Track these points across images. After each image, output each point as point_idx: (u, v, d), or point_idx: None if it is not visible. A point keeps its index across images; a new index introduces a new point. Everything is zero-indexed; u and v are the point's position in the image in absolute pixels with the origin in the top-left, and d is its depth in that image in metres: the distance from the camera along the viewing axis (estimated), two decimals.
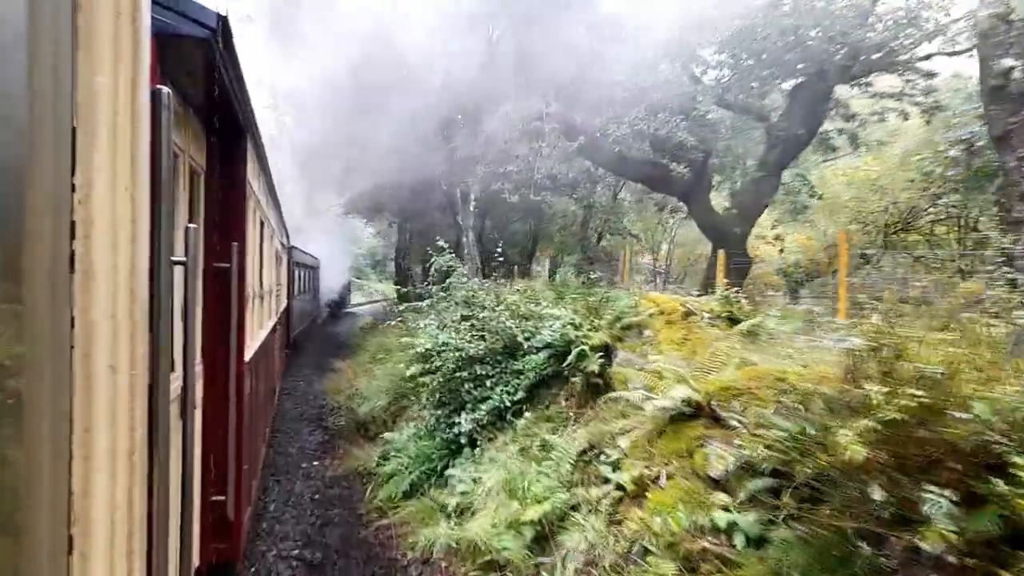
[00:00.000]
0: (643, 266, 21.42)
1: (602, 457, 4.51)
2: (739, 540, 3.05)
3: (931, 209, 13.01)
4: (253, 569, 4.77)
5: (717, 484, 3.49)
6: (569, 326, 5.80)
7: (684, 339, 5.27)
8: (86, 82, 0.91)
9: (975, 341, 2.46)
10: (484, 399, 6.00)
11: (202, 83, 2.70)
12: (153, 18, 1.25)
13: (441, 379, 6.34)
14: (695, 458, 3.70)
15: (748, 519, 3.02)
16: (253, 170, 4.52)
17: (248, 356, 4.29)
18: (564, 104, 12.47)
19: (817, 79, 11.23)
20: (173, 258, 1.28)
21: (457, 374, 6.23)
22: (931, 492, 1.95)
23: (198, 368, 3.07)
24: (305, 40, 18.58)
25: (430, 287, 7.96)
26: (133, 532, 1.05)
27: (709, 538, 3.19)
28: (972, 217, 12.60)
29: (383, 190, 18.72)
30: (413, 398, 8.01)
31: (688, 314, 5.48)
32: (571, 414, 5.35)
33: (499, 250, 7.72)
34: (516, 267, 16.28)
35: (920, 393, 2.05)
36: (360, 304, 34.60)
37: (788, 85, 12.44)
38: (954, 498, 1.90)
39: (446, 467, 5.90)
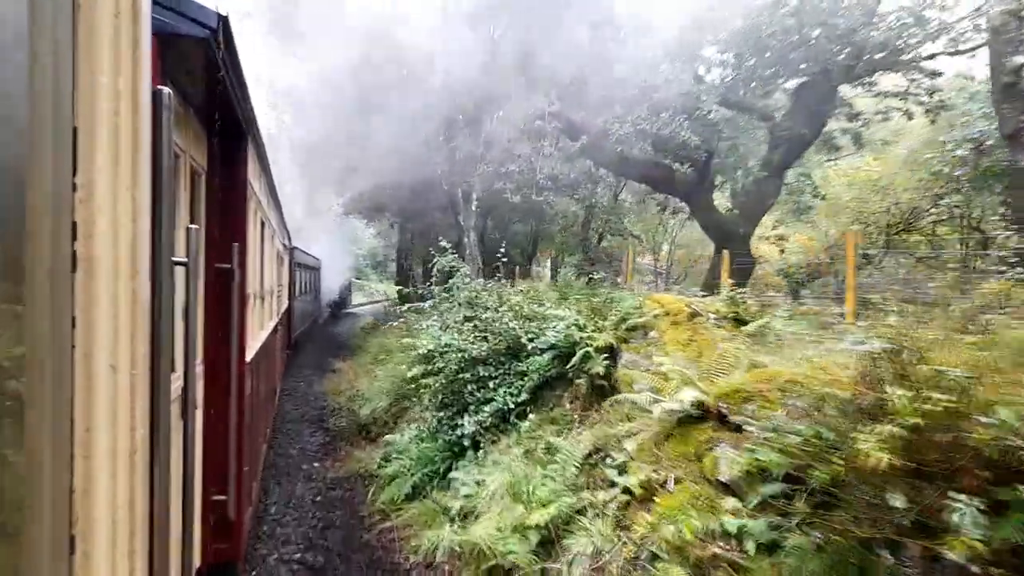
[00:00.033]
0: (643, 267, 21.35)
1: (608, 460, 4.46)
2: (750, 546, 2.99)
3: (933, 209, 12.96)
4: (255, 573, 4.72)
5: (727, 488, 3.43)
6: (573, 327, 5.74)
7: (690, 340, 5.21)
8: (87, 82, 0.90)
9: (996, 343, 2.40)
10: (487, 401, 5.94)
11: (203, 83, 2.69)
12: (153, 18, 1.25)
13: (444, 380, 6.28)
14: (704, 462, 3.64)
15: (759, 524, 2.97)
16: (254, 170, 4.51)
17: (249, 356, 4.27)
18: (566, 103, 12.42)
19: (821, 78, 11.17)
20: (174, 258, 1.27)
21: (460, 375, 6.17)
22: (959, 501, 1.89)
23: (199, 368, 3.08)
24: (304, 38, 18.53)
25: (432, 287, 7.91)
26: (135, 532, 1.06)
27: (719, 543, 3.13)
28: (974, 217, 12.55)
29: (384, 190, 18.67)
30: (415, 399, 7.95)
31: (694, 315, 5.42)
32: (576, 416, 5.29)
33: (502, 250, 7.65)
34: (517, 268, 16.22)
35: (943, 397, 1.99)
36: (361, 304, 34.56)
37: (792, 84, 12.38)
38: (981, 506, 1.85)
39: (449, 469, 5.84)
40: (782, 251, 15.59)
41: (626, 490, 3.99)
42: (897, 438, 2.01)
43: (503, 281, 8.08)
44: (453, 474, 5.62)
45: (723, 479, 3.45)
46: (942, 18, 11.04)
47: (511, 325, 6.28)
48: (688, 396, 3.86)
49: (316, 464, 7.50)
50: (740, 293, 5.80)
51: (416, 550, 4.90)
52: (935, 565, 2.01)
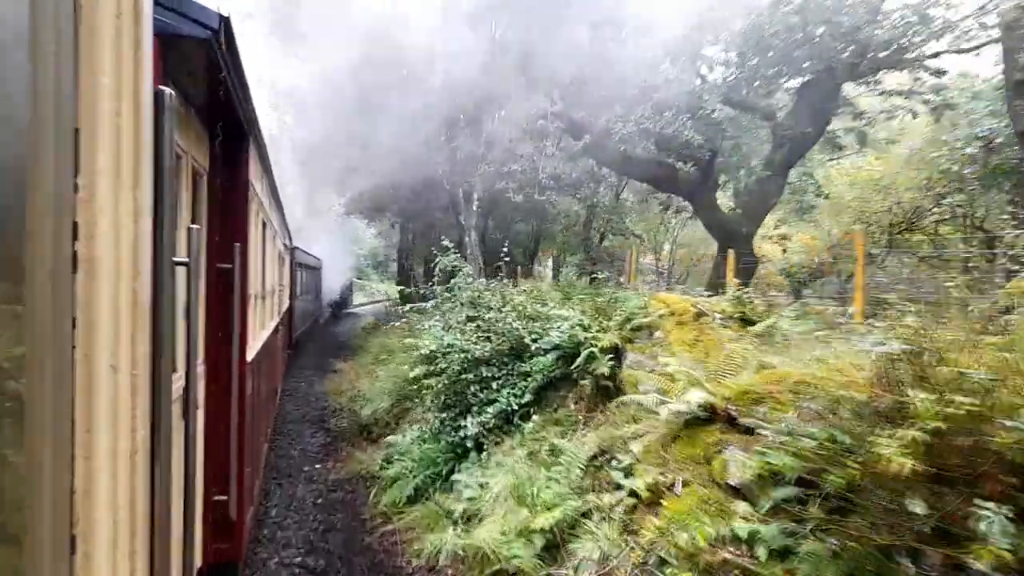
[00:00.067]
0: (644, 266, 21.28)
1: (614, 462, 4.39)
2: (761, 552, 2.93)
3: (935, 209, 12.90)
4: None
5: (736, 492, 3.36)
6: (578, 327, 5.68)
7: (696, 340, 5.15)
8: (88, 83, 0.90)
9: (1018, 345, 2.33)
10: (490, 402, 5.88)
11: (204, 84, 2.69)
12: (155, 19, 1.25)
13: (446, 381, 6.22)
14: (712, 465, 3.58)
15: (772, 530, 2.90)
16: (255, 171, 4.51)
17: (250, 356, 4.26)
18: (568, 103, 12.36)
19: (825, 77, 11.10)
20: (175, 259, 1.28)
21: (463, 376, 6.11)
22: (987, 508, 1.83)
23: (200, 368, 3.10)
24: (306, 39, 18.49)
25: (434, 287, 7.85)
26: (135, 532, 1.06)
27: (730, 548, 3.07)
28: (977, 217, 12.48)
29: (385, 190, 18.63)
30: (417, 400, 7.90)
31: (700, 315, 5.35)
32: (580, 418, 5.22)
33: (505, 250, 7.59)
34: (519, 267, 16.16)
35: (966, 400, 1.93)
36: (362, 304, 34.54)
37: (795, 83, 12.32)
38: (1010, 514, 1.79)
39: (451, 471, 5.77)
40: (784, 251, 15.54)
41: (632, 493, 3.93)
42: (919, 443, 1.95)
43: (505, 281, 8.02)
44: (456, 476, 5.56)
45: (732, 482, 3.38)
46: (947, 16, 10.99)
47: (514, 325, 6.22)
48: (695, 397, 3.80)
49: (317, 466, 7.43)
50: (746, 293, 5.74)
51: (419, 554, 4.84)
52: (959, 574, 1.95)
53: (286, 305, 11.32)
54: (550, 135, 12.37)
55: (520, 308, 6.67)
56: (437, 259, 7.62)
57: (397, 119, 14.98)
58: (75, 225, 0.88)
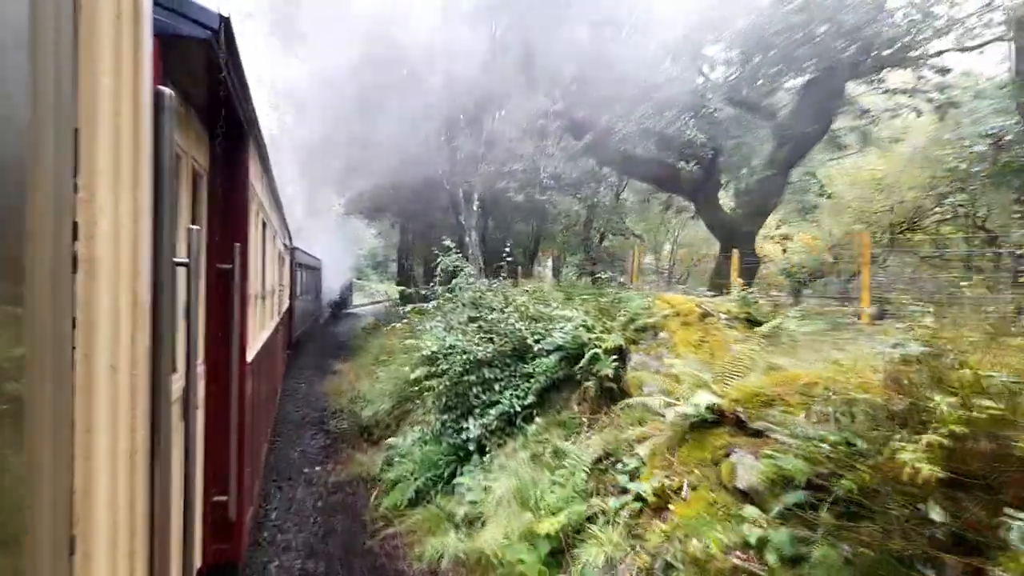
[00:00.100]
0: (645, 266, 21.21)
1: (619, 466, 4.33)
2: (771, 557, 2.87)
3: (937, 209, 12.83)
4: None
5: (745, 496, 3.30)
6: (581, 328, 5.61)
7: (701, 341, 5.08)
8: (88, 83, 0.90)
9: None
10: (493, 403, 5.81)
11: (204, 84, 2.69)
12: (155, 19, 1.26)
13: (448, 382, 6.16)
14: (720, 468, 3.52)
15: (782, 535, 2.84)
16: (255, 171, 4.51)
17: (250, 357, 4.25)
18: (569, 102, 12.31)
19: (828, 75, 11.05)
20: (175, 259, 1.28)
21: (465, 378, 6.05)
22: (1019, 519, 1.77)
23: (200, 369, 3.12)
24: (306, 38, 18.43)
25: (435, 288, 7.78)
26: (135, 532, 1.06)
27: (738, 554, 3.01)
28: (979, 216, 12.41)
29: (385, 190, 18.58)
30: (418, 402, 7.84)
31: (705, 315, 5.29)
32: (584, 420, 5.16)
33: (507, 250, 7.53)
34: (520, 267, 16.10)
35: (989, 404, 1.87)
36: (362, 304, 34.48)
37: (798, 82, 12.26)
38: None
39: (453, 474, 5.71)
40: (784, 250, 15.48)
41: (638, 497, 3.87)
42: (940, 448, 1.89)
43: (507, 281, 7.95)
44: (458, 479, 5.50)
45: (741, 486, 3.32)
46: (951, 14, 10.93)
47: (517, 326, 6.16)
48: (703, 400, 3.74)
49: (317, 468, 7.37)
50: (752, 293, 5.68)
51: (420, 557, 4.78)
52: None
53: (286, 305, 11.28)
54: (551, 134, 12.31)
55: (523, 309, 6.61)
56: (439, 259, 7.55)
57: (397, 119, 14.93)
58: (75, 225, 0.87)
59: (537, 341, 6.01)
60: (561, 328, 5.88)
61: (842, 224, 15.15)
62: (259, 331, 5.58)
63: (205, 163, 3.30)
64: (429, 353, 6.48)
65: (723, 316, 5.37)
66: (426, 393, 6.90)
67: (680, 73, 11.83)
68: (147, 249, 1.12)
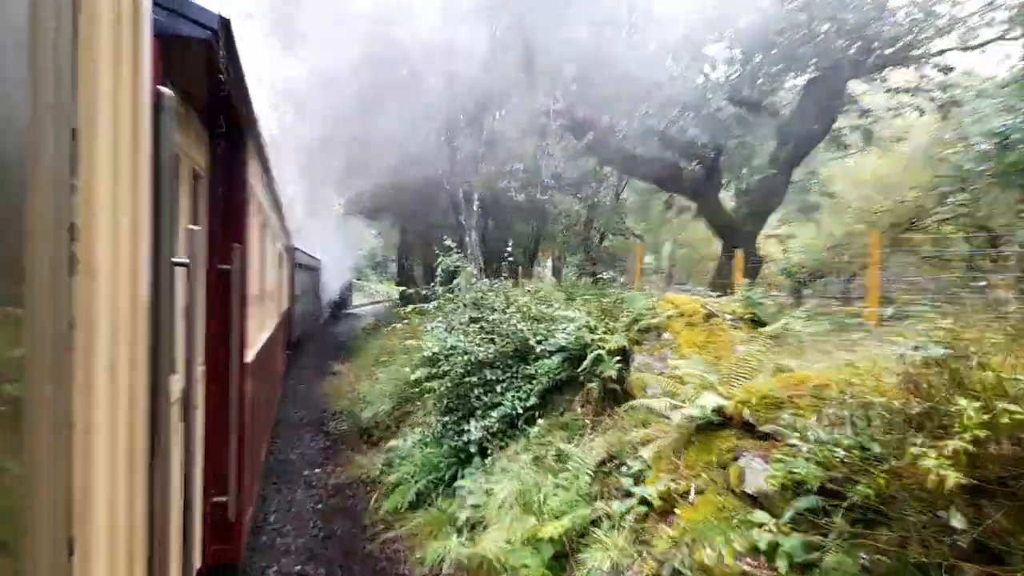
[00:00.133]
0: (645, 266, 21.14)
1: (623, 468, 4.27)
2: (782, 564, 2.81)
3: (938, 208, 12.76)
4: None
5: (754, 500, 3.24)
6: (584, 329, 5.55)
7: (706, 342, 5.03)
8: (88, 83, 0.90)
9: None
10: (495, 405, 5.74)
11: (203, 84, 2.70)
12: (154, 19, 1.26)
13: (449, 384, 6.09)
14: (728, 471, 3.46)
15: (794, 541, 2.78)
16: (255, 172, 4.52)
17: (250, 357, 4.25)
18: (570, 101, 12.25)
19: (830, 74, 11.00)
20: (175, 259, 1.27)
21: (466, 379, 5.98)
22: None
23: (200, 369, 3.12)
24: (306, 38, 18.36)
25: (436, 288, 7.72)
26: (134, 533, 1.05)
27: (748, 560, 2.94)
28: (981, 216, 12.36)
29: (385, 190, 18.51)
30: (418, 403, 7.78)
31: (709, 316, 5.23)
32: (587, 422, 5.10)
33: (508, 250, 7.47)
34: (520, 268, 16.03)
35: (1015, 408, 1.81)
36: (362, 305, 34.42)
37: (800, 81, 12.22)
38: None
39: (454, 476, 5.64)
40: (785, 250, 15.43)
41: (644, 501, 3.80)
42: (963, 453, 1.83)
43: (508, 281, 7.88)
44: (459, 482, 5.43)
45: (750, 491, 3.26)
46: (952, 13, 10.89)
47: (519, 327, 6.09)
48: (710, 402, 3.68)
49: (317, 470, 7.31)
50: (758, 293, 5.61)
51: (421, 562, 4.71)
52: None
53: (285, 306, 11.23)
54: (552, 133, 12.25)
55: (524, 309, 6.54)
56: (439, 259, 7.49)
57: (397, 118, 14.87)
58: (73, 226, 0.87)
59: (539, 342, 5.94)
60: (564, 329, 5.82)
61: (843, 224, 15.11)
62: (259, 332, 5.55)
63: (205, 163, 3.31)
64: (430, 354, 6.41)
65: (728, 316, 5.31)
66: (427, 395, 6.83)
67: (682, 72, 11.77)
68: (146, 250, 1.11)
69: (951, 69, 11.14)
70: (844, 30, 10.39)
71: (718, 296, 6.36)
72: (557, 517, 4.03)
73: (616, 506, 3.93)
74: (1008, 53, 12.63)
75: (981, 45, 11.42)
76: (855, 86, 12.21)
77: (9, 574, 0.70)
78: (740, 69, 12.21)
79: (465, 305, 6.91)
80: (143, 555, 1.12)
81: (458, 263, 7.28)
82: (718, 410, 3.75)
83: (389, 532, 5.39)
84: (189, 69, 2.50)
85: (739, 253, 8.48)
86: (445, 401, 6.17)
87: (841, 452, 2.35)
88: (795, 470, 2.68)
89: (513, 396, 5.74)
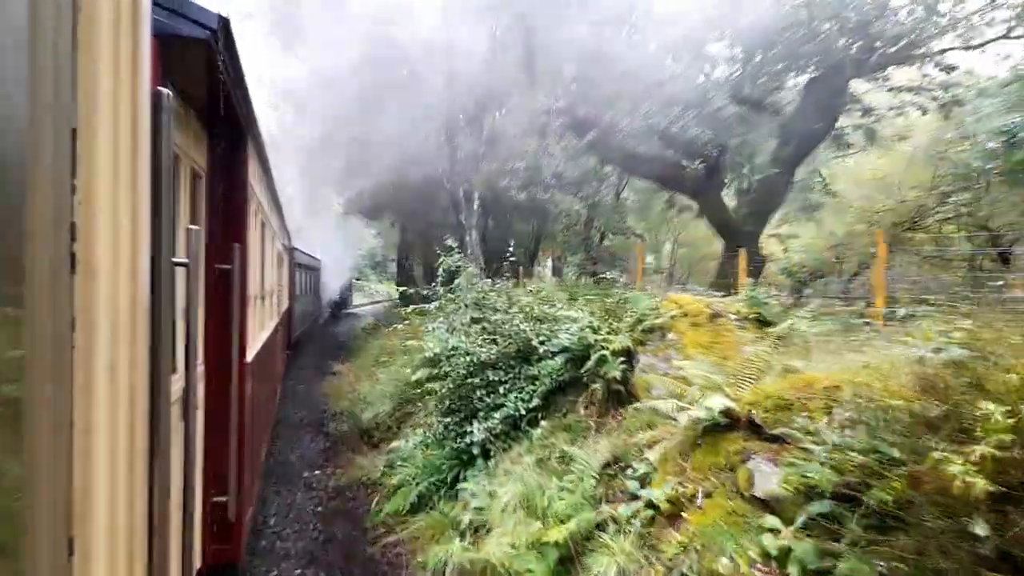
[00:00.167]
0: (646, 265, 21.07)
1: (628, 471, 4.21)
2: (794, 570, 2.74)
3: (939, 208, 12.71)
4: None
5: (764, 504, 3.18)
6: (588, 329, 5.48)
7: (711, 343, 4.97)
8: (87, 83, 0.91)
9: None
10: (497, 406, 5.68)
11: (203, 84, 2.70)
12: (154, 19, 1.28)
13: (451, 385, 6.03)
14: (737, 475, 3.39)
15: (806, 547, 2.71)
16: (254, 172, 4.53)
17: (250, 357, 4.24)
18: (571, 100, 12.19)
19: (832, 72, 10.95)
20: (174, 259, 1.28)
21: (468, 380, 5.91)
22: None
23: (200, 369, 3.13)
24: (307, 38, 18.31)
25: (437, 288, 7.65)
26: (134, 533, 1.06)
27: (760, 566, 2.88)
28: (982, 216, 12.31)
29: (385, 188, 18.46)
30: (420, 404, 7.72)
31: (715, 316, 5.17)
32: (591, 423, 5.03)
33: (510, 250, 7.41)
34: (520, 267, 15.97)
35: None
36: (362, 305, 34.37)
37: (802, 80, 12.17)
38: None
39: (457, 479, 5.58)
40: (785, 249, 15.38)
41: (650, 504, 3.74)
42: (990, 459, 1.77)
43: (509, 281, 7.82)
44: (462, 484, 5.36)
45: (759, 494, 3.20)
46: (954, 12, 10.85)
47: (521, 327, 6.02)
48: (718, 403, 3.61)
49: (317, 472, 7.24)
50: (763, 293, 5.55)
51: (423, 566, 4.65)
52: None
53: (285, 306, 11.19)
54: (553, 132, 12.19)
55: (527, 309, 6.48)
56: (441, 259, 7.42)
57: (397, 118, 14.83)
58: (73, 225, 0.87)
59: (542, 343, 5.87)
60: (567, 329, 5.75)
61: (844, 223, 15.05)
62: (258, 331, 5.53)
63: (204, 163, 3.31)
64: (431, 355, 6.35)
65: (733, 316, 5.25)
66: (428, 396, 6.77)
67: (683, 71, 11.73)
68: (146, 249, 1.11)
69: (954, 68, 11.10)
70: (846, 29, 10.35)
71: (722, 296, 6.30)
72: (562, 521, 3.97)
73: (622, 509, 3.87)
74: (1008, 53, 12.61)
75: (983, 44, 11.38)
76: (857, 85, 12.15)
77: (9, 574, 0.70)
78: (741, 68, 12.16)
79: (467, 305, 6.85)
80: (143, 555, 1.12)
81: (459, 263, 7.21)
82: (724, 412, 3.69)
83: (390, 535, 5.33)
84: (189, 69, 2.50)
85: (742, 252, 8.41)
86: (447, 402, 6.10)
87: (858, 456, 2.29)
88: (808, 474, 2.62)
89: (516, 397, 5.67)
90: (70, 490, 0.88)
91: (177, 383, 2.05)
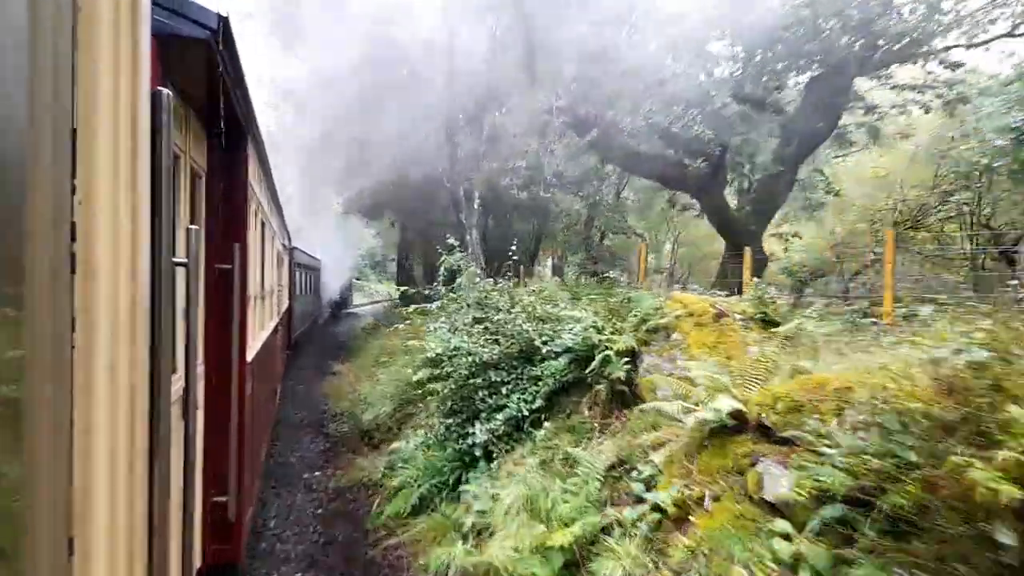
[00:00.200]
0: (647, 265, 20.97)
1: (633, 473, 4.15)
2: None
3: (941, 207, 12.65)
4: None
5: (773, 508, 3.12)
6: (591, 329, 5.42)
7: (717, 343, 4.90)
8: (87, 83, 0.91)
9: None
10: (500, 407, 5.62)
11: (203, 84, 2.70)
12: (153, 19, 1.27)
13: (453, 385, 5.97)
14: (745, 478, 3.33)
15: (818, 552, 2.65)
16: (254, 171, 4.54)
17: (250, 357, 4.24)
18: (572, 98, 12.12)
19: (834, 71, 10.89)
20: (174, 259, 1.27)
21: (470, 380, 5.85)
22: None
23: (200, 369, 3.12)
24: (307, 38, 18.24)
25: (438, 288, 7.59)
26: (134, 533, 1.06)
27: (771, 571, 2.82)
28: (984, 215, 12.25)
29: (385, 187, 18.40)
30: (421, 405, 7.65)
31: (719, 316, 5.11)
32: (595, 424, 4.98)
33: (512, 250, 7.34)
34: (521, 267, 15.90)
35: None
36: (362, 305, 34.32)
37: (804, 78, 12.11)
38: None
39: (459, 480, 5.52)
40: (786, 249, 15.32)
41: (656, 507, 3.69)
42: (1014, 464, 1.71)
43: (511, 280, 7.75)
44: (464, 486, 5.30)
45: (769, 498, 3.14)
46: (957, 10, 10.80)
47: (524, 327, 5.96)
48: (725, 404, 3.55)
49: (317, 473, 7.18)
50: (768, 293, 5.48)
51: (425, 569, 4.59)
52: None
53: (285, 305, 11.14)
54: (553, 131, 12.13)
55: (530, 309, 6.41)
56: (442, 258, 7.36)
57: (397, 117, 14.77)
58: (73, 225, 0.88)
59: (545, 343, 5.81)
60: (570, 329, 5.69)
61: (845, 222, 14.99)
62: (258, 331, 5.50)
63: (204, 163, 3.32)
64: (433, 355, 6.29)
65: (738, 316, 5.19)
66: (429, 396, 6.71)
67: (684, 69, 11.66)
68: (146, 249, 1.12)
69: (959, 65, 11.03)
70: (849, 26, 10.28)
71: (726, 295, 6.23)
72: (567, 524, 3.91)
73: (627, 512, 3.81)
74: (1012, 51, 12.55)
75: (987, 42, 11.32)
76: (860, 83, 12.09)
77: (9, 574, 0.70)
78: (743, 67, 12.10)
79: (468, 305, 6.78)
80: (143, 555, 1.11)
81: (461, 261, 7.14)
82: (732, 413, 3.63)
83: (391, 538, 5.26)
84: (189, 69, 2.49)
85: (747, 252, 8.35)
86: (449, 403, 6.04)
87: (874, 460, 2.23)
88: (820, 477, 2.56)
89: (519, 398, 5.61)
90: (70, 490, 0.88)
91: (177, 383, 2.06)
